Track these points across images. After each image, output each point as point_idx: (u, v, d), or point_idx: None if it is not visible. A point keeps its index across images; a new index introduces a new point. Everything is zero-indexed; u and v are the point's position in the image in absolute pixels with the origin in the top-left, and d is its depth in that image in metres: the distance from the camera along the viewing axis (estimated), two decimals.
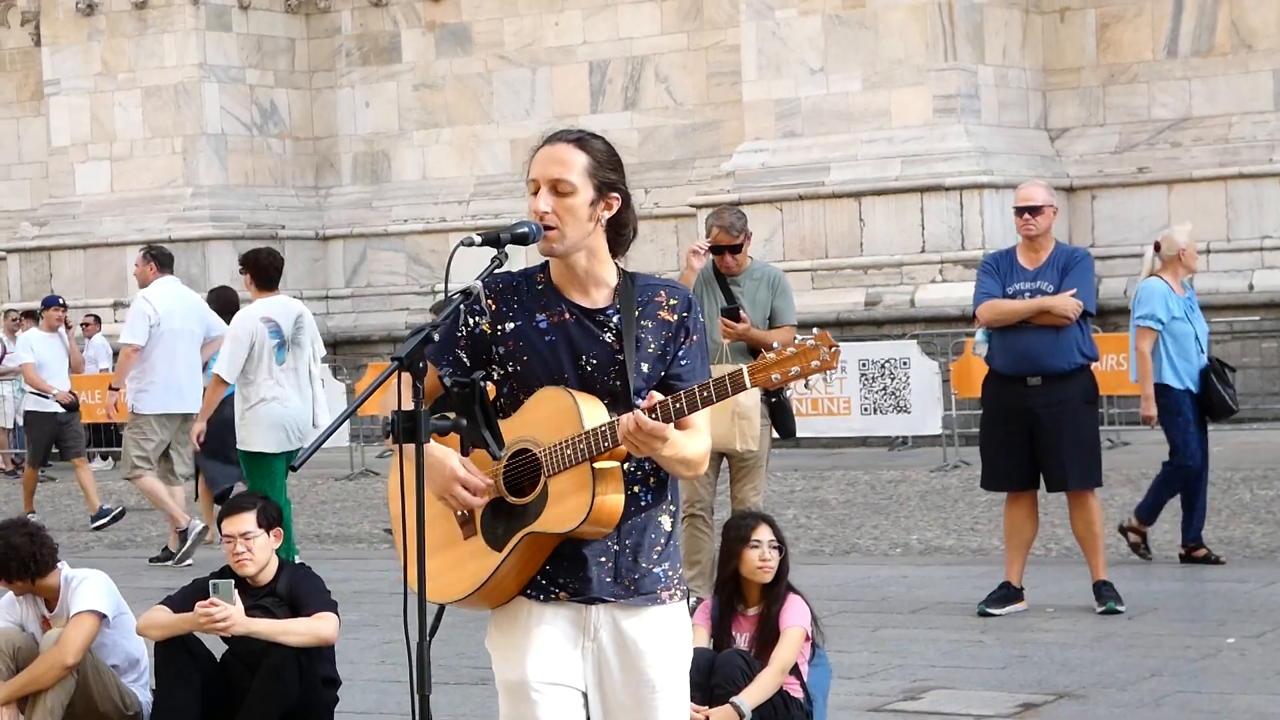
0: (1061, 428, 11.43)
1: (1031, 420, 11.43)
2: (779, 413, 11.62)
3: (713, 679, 7.60)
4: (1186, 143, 24.49)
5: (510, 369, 5.14)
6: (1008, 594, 11.64)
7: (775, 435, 11.75)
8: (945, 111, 24.11)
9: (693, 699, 7.34)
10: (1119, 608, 11.40)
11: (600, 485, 4.96)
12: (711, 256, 11.67)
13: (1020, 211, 11.67)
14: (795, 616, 7.80)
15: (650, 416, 4.87)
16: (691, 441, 5.04)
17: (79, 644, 8.69)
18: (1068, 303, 11.34)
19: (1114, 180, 24.64)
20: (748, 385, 4.87)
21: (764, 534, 7.90)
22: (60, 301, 21.37)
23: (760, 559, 7.86)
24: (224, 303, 16.78)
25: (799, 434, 20.61)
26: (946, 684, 9.74)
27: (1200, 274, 23.72)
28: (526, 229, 5.07)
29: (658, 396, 4.92)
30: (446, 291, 5.07)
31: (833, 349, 4.82)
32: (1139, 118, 24.92)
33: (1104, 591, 11.52)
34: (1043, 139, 25.27)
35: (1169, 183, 24.33)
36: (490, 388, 5.15)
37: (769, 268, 12.02)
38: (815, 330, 4.91)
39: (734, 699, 7.54)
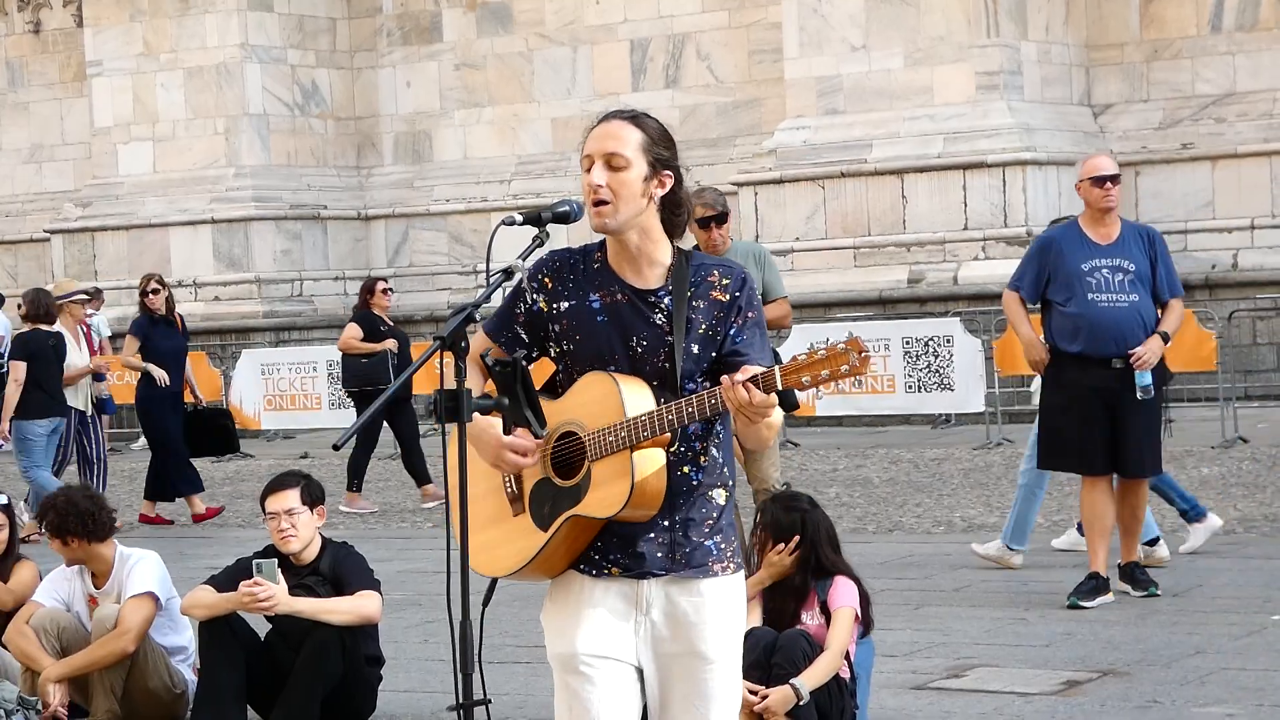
0: (1141, 412, 11.12)
1: (1114, 402, 11.08)
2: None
3: (774, 658, 7.61)
4: (1231, 118, 24.36)
5: (565, 347, 5.18)
6: (1097, 585, 11.19)
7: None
8: (988, 88, 24.03)
9: (751, 677, 7.38)
10: (1158, 591, 11.26)
11: (640, 473, 4.98)
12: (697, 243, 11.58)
13: (1101, 181, 11.18)
14: (844, 597, 7.81)
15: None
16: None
17: (138, 628, 8.76)
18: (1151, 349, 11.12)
19: (1158, 156, 24.53)
20: (779, 386, 4.88)
21: (756, 519, 8.04)
22: None
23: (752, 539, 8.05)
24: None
25: (842, 412, 20.55)
26: (990, 662, 9.73)
27: (1244, 250, 23.70)
28: (567, 207, 5.09)
29: (754, 370, 4.91)
30: (488, 271, 5.08)
31: (863, 354, 4.83)
32: (1183, 93, 24.80)
33: (1139, 576, 11.33)
34: (1086, 115, 25.16)
35: (1213, 159, 24.20)
36: (546, 365, 5.18)
37: (753, 244, 12.09)
38: (848, 334, 4.92)
39: (794, 680, 7.54)
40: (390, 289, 19.31)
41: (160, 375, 17.79)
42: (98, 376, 18.07)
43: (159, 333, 18.11)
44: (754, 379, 4.87)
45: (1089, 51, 25.30)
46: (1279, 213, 23.83)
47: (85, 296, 18.91)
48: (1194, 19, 24.78)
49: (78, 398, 17.69)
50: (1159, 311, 11.24)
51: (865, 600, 7.92)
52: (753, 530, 8.16)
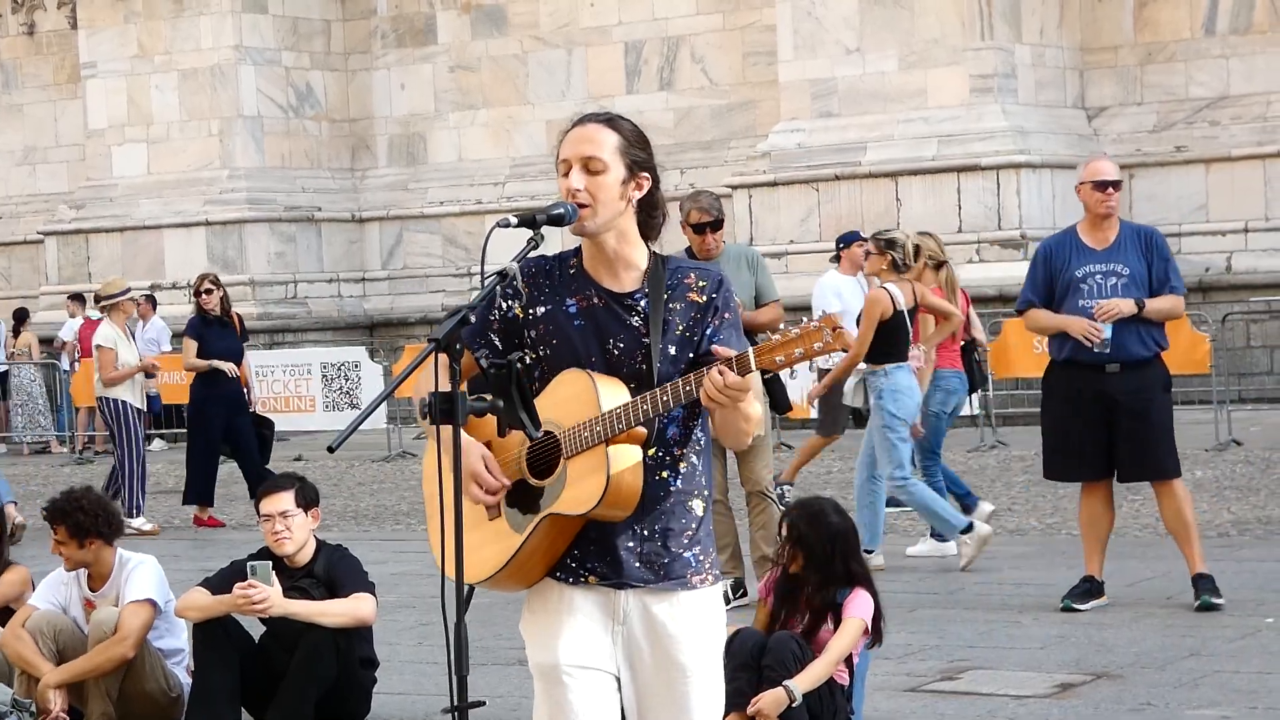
0: (1144, 416, 10.88)
1: (1111, 407, 10.87)
2: (774, 388, 11.66)
3: (764, 659, 7.62)
4: (1225, 121, 24.38)
5: (541, 353, 5.15)
6: (1091, 588, 11.08)
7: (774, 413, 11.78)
8: (982, 91, 24.04)
9: (741, 678, 7.38)
10: (1216, 601, 10.83)
11: (615, 468, 4.95)
12: (690, 245, 11.53)
13: (1102, 186, 10.97)
14: (858, 608, 7.81)
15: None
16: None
17: (138, 634, 8.75)
18: (1120, 305, 10.83)
19: (1152, 159, 24.54)
20: (753, 367, 4.86)
21: (784, 527, 8.03)
22: (861, 236, 16.95)
23: (783, 547, 7.99)
24: None
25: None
26: (984, 664, 9.73)
27: (1238, 253, 23.72)
28: (562, 210, 5.07)
29: (727, 352, 4.90)
30: (483, 274, 5.07)
31: (835, 330, 4.82)
32: (1177, 96, 24.82)
33: (1201, 585, 10.93)
34: (1080, 118, 25.18)
35: (1207, 162, 24.23)
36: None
37: (745, 247, 12.03)
38: (821, 313, 4.91)
39: (787, 682, 7.55)
40: None
41: (229, 368, 17.32)
42: (147, 375, 17.66)
43: (213, 333, 17.53)
44: (728, 361, 4.86)
45: (1083, 54, 25.32)
46: (1272, 216, 23.85)
47: (134, 295, 18.17)
48: (1188, 22, 24.80)
49: (134, 394, 17.37)
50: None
51: (879, 613, 7.92)
52: (778, 538, 8.13)
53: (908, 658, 9.92)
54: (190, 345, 17.57)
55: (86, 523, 8.90)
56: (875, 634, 7.92)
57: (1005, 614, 11.07)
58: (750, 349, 4.88)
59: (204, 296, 17.59)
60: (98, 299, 18.10)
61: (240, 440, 17.57)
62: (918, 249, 13.42)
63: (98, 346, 17.55)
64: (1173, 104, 24.80)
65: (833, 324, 4.82)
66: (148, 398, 17.81)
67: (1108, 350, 10.84)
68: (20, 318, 28.96)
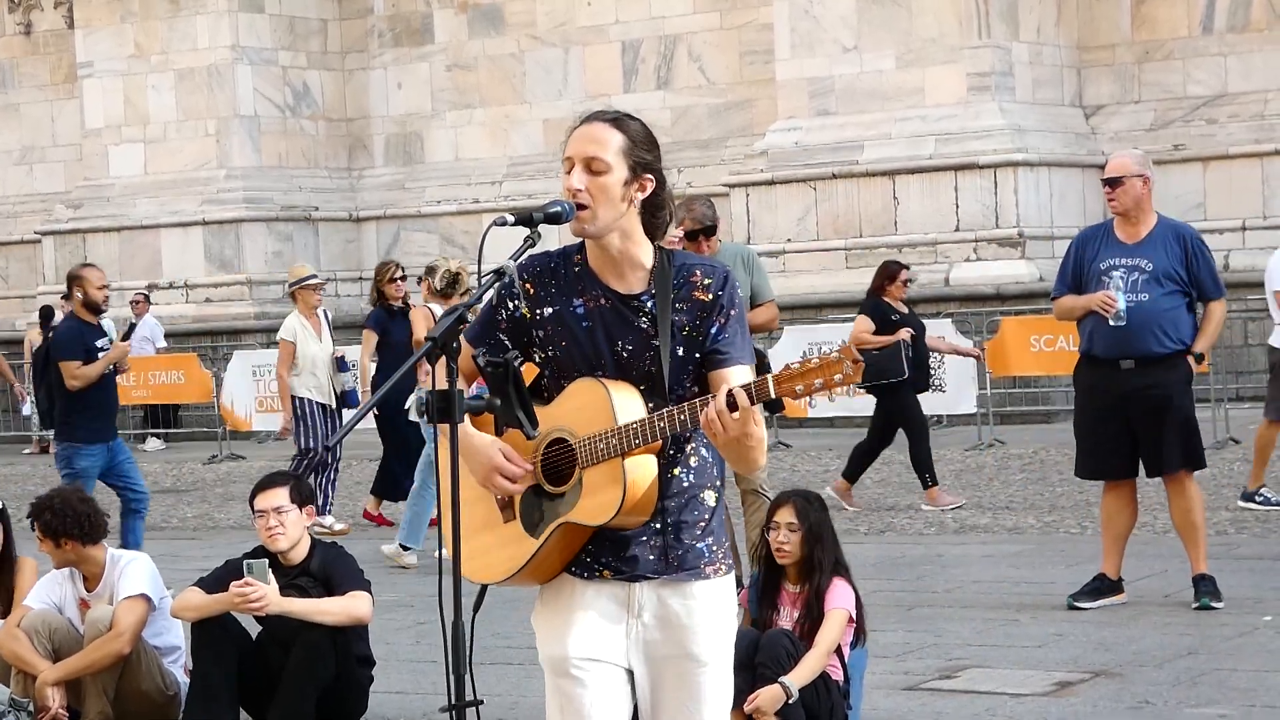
0: (1159, 412, 10.73)
1: (1126, 406, 10.76)
2: None
3: (757, 658, 7.62)
4: (1222, 119, 24.36)
5: (550, 353, 5.15)
6: (1100, 587, 11.02)
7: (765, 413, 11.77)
8: (979, 89, 24.03)
9: (738, 677, 7.38)
10: (1215, 604, 10.77)
11: (632, 481, 4.97)
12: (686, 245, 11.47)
13: (1104, 184, 11.02)
14: (840, 599, 7.83)
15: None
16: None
17: (133, 630, 8.74)
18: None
19: (1149, 158, 24.49)
20: (771, 395, 4.86)
21: (784, 516, 7.96)
22: None
23: (778, 541, 7.92)
24: None
25: (833, 414, 20.54)
26: (982, 663, 9.73)
27: (1235, 251, 23.70)
28: (559, 208, 5.06)
29: (743, 382, 4.89)
30: (479, 272, 5.06)
31: (855, 362, 4.81)
32: (1174, 94, 24.80)
33: (1202, 586, 10.86)
34: (1077, 116, 25.16)
35: (1204, 160, 24.21)
36: (530, 368, 5.17)
37: (740, 247, 12.04)
38: (840, 343, 4.91)
39: (783, 679, 7.56)
40: (910, 279, 17.04)
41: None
42: (341, 366, 16.89)
43: (397, 325, 16.62)
44: (746, 388, 4.84)
45: (1080, 53, 25.31)
46: (1270, 214, 23.84)
47: (318, 281, 17.32)
48: (1185, 20, 24.79)
49: (318, 389, 16.74)
50: (1193, 314, 10.88)
51: (860, 605, 7.93)
52: (765, 531, 8.11)
53: (906, 656, 9.92)
54: (371, 338, 16.85)
55: (55, 523, 8.90)
56: (859, 626, 7.93)
57: (1003, 612, 11.07)
58: (770, 377, 4.87)
59: (396, 284, 16.80)
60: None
61: (394, 435, 16.63)
62: (456, 276, 14.77)
63: (278, 339, 16.87)
64: (1170, 102, 24.78)
65: (852, 355, 4.83)
66: (344, 393, 16.84)
67: (1123, 323, 10.69)
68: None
